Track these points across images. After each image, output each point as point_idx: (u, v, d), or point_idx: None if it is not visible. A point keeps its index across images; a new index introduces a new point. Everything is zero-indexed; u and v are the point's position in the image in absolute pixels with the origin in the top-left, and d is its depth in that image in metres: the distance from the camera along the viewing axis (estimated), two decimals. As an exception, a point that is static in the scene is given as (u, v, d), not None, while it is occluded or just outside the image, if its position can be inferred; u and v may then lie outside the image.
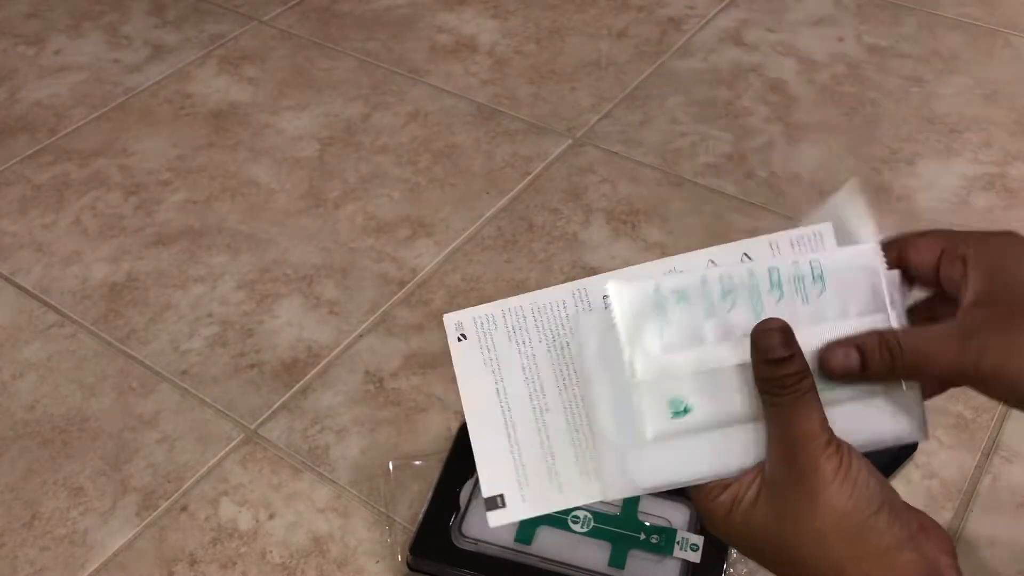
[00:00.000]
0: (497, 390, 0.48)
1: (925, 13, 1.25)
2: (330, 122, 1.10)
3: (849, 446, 0.42)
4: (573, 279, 0.89)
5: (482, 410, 0.48)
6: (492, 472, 0.46)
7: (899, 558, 0.41)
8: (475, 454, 0.47)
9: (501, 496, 0.46)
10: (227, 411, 0.80)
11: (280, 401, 0.80)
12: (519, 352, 0.47)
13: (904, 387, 0.44)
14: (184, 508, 0.73)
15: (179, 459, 0.76)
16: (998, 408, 0.78)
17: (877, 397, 0.44)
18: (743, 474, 0.44)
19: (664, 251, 0.92)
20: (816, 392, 0.42)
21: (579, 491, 0.46)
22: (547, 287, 0.48)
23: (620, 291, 0.44)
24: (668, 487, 0.44)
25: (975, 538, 0.70)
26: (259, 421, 0.79)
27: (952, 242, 0.45)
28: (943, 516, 0.71)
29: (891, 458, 0.73)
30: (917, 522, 0.42)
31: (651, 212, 0.97)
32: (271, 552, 0.70)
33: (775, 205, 0.97)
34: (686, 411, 0.44)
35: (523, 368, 0.47)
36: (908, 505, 0.43)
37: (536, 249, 0.93)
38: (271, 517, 0.72)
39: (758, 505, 0.43)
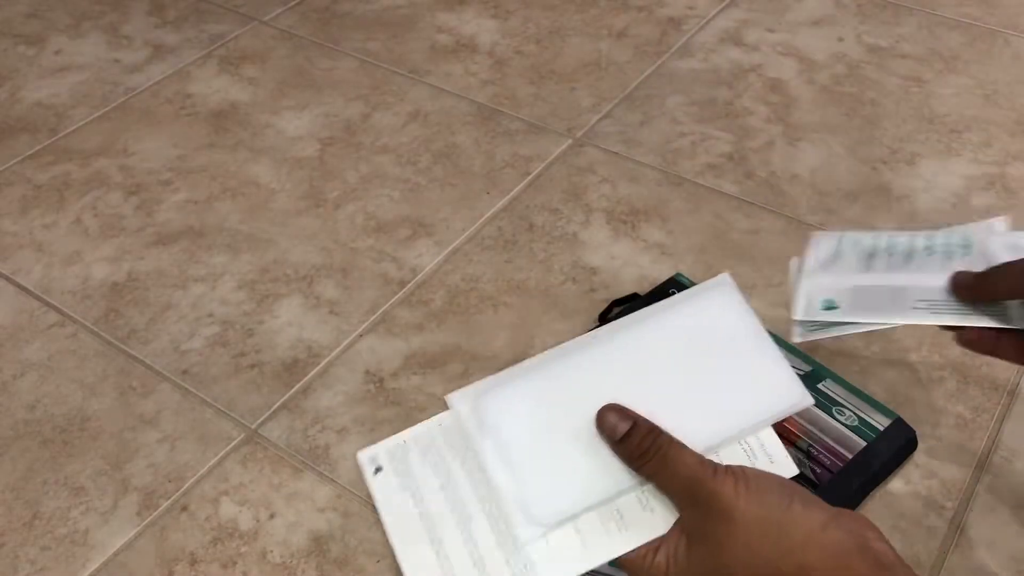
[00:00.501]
0: (419, 513, 0.50)
1: (925, 13, 1.26)
2: (330, 122, 1.10)
3: (740, 466, 0.46)
4: (573, 279, 0.90)
5: (406, 534, 0.49)
6: None
7: (825, 538, 0.43)
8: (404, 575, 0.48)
9: None
10: (228, 411, 0.80)
11: (280, 401, 0.80)
12: (434, 471, 0.50)
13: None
14: (185, 508, 0.73)
15: (180, 459, 0.76)
16: (998, 408, 0.78)
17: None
18: (666, 535, 0.47)
19: (664, 251, 0.92)
20: (677, 440, 0.47)
21: None
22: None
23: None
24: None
25: (975, 538, 0.70)
26: (259, 421, 0.79)
27: None
28: (944, 516, 0.71)
29: (892, 458, 0.73)
30: (832, 509, 0.45)
31: (651, 212, 0.97)
32: (271, 552, 0.70)
33: (775, 205, 0.97)
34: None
35: (441, 486, 0.50)
36: (819, 499, 0.46)
37: (536, 249, 0.93)
38: (271, 517, 0.72)
39: (691, 551, 0.46)
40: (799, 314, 0.58)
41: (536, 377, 0.52)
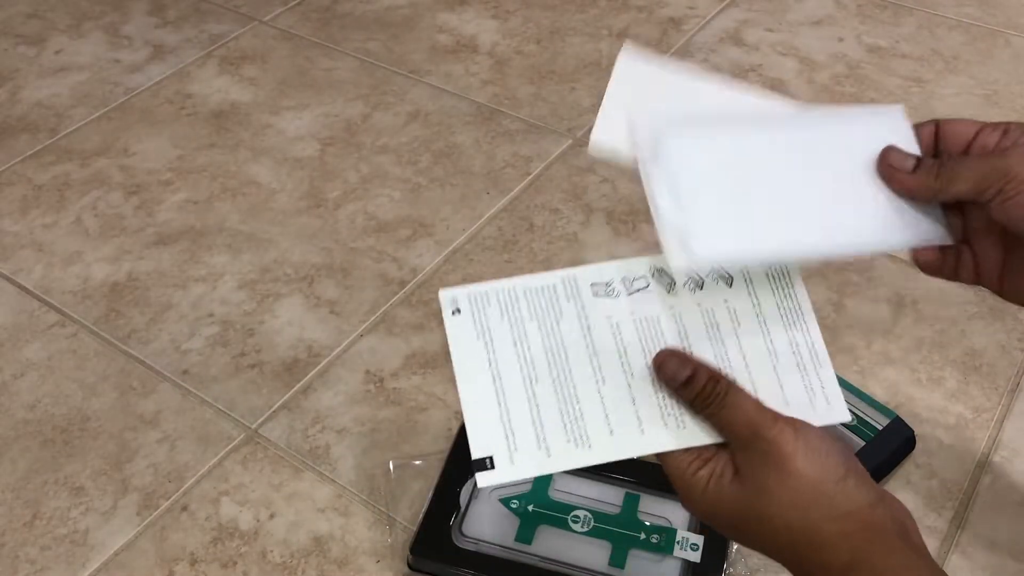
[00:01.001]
0: (488, 360, 0.51)
1: (925, 13, 1.26)
2: (330, 122, 1.10)
3: (800, 420, 0.46)
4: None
5: (473, 378, 0.50)
6: (482, 436, 0.49)
7: (872, 514, 0.44)
8: (465, 419, 0.49)
9: (490, 458, 0.48)
10: (228, 411, 0.80)
11: (281, 401, 0.80)
12: (511, 328, 0.51)
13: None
14: (185, 508, 0.73)
15: (180, 459, 0.76)
16: (998, 408, 0.78)
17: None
18: (718, 453, 0.48)
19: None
20: (737, 386, 0.47)
21: (566, 458, 0.49)
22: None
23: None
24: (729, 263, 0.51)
25: (975, 538, 0.70)
26: (260, 421, 0.79)
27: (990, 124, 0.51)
28: (944, 516, 0.71)
29: (890, 457, 0.73)
30: (880, 489, 0.46)
31: (651, 212, 0.97)
32: (272, 552, 0.70)
33: (775, 205, 0.97)
34: None
35: (514, 342, 0.51)
36: (869, 476, 0.47)
37: (536, 249, 0.93)
38: (272, 517, 0.72)
39: (734, 484, 0.46)
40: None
41: (720, 134, 0.54)
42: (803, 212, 0.50)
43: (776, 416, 0.46)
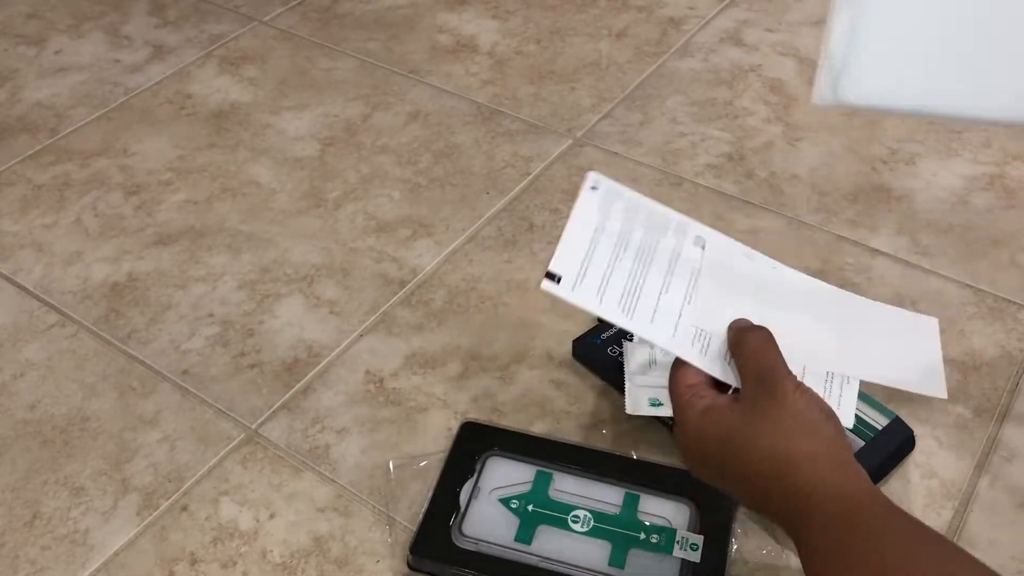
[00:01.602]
0: (597, 227, 0.62)
1: (925, 13, 1.25)
2: (330, 122, 1.10)
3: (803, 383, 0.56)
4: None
5: (580, 229, 0.62)
6: (564, 260, 0.60)
7: (841, 453, 0.53)
8: (560, 245, 0.60)
9: (560, 277, 0.59)
10: (228, 411, 0.80)
11: (280, 401, 0.80)
12: (623, 221, 0.63)
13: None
14: (185, 508, 0.73)
15: (180, 459, 0.76)
16: (998, 408, 0.79)
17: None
18: (720, 395, 0.58)
19: (664, 251, 0.92)
20: (774, 341, 0.58)
21: (611, 311, 0.59)
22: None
23: None
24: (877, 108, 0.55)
25: (975, 538, 0.70)
26: (260, 421, 0.79)
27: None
28: (943, 516, 0.71)
29: (890, 457, 0.73)
30: (847, 444, 0.55)
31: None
32: (272, 552, 0.70)
33: (775, 205, 0.97)
34: None
35: (620, 231, 0.63)
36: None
37: (536, 249, 0.93)
38: (272, 517, 0.72)
39: (731, 408, 0.55)
40: (631, 410, 0.72)
41: None
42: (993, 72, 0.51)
43: (791, 373, 0.56)
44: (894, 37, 0.50)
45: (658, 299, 0.61)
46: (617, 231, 0.62)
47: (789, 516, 0.52)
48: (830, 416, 0.55)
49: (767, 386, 0.55)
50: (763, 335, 0.58)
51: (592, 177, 0.63)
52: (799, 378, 0.56)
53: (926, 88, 0.50)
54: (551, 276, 0.59)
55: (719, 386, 0.60)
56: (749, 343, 0.58)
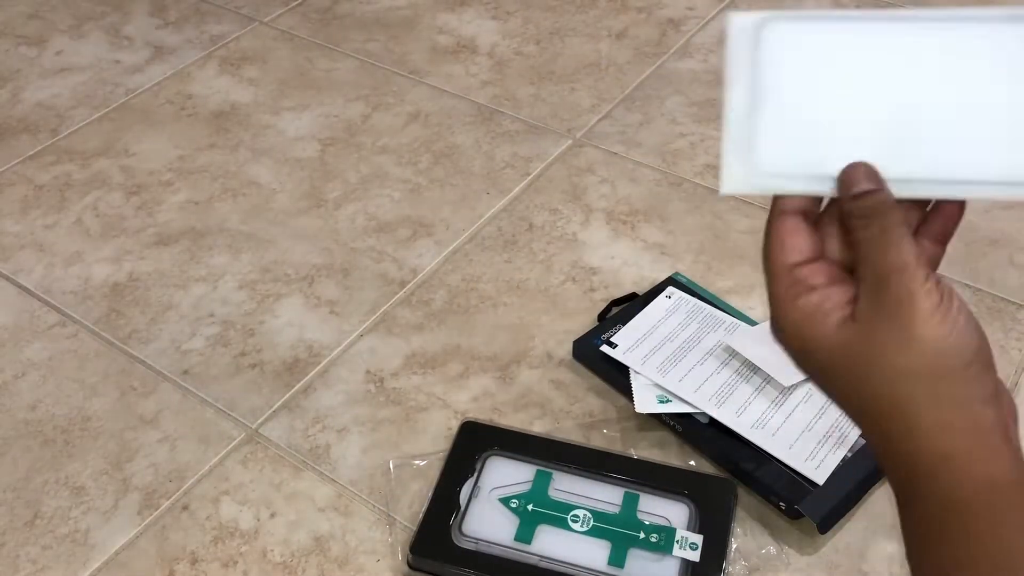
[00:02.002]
0: (660, 319, 0.81)
1: (924, 14, 1.26)
2: (331, 123, 1.10)
3: (951, 288, 0.40)
4: (573, 279, 0.90)
5: (646, 319, 0.79)
6: (626, 336, 0.76)
7: (980, 412, 0.39)
8: (627, 325, 0.77)
9: (617, 345, 0.77)
10: (228, 411, 0.80)
11: (281, 401, 0.80)
12: (684, 318, 0.77)
13: None
14: (185, 507, 0.73)
15: (180, 458, 0.76)
16: (996, 408, 0.79)
17: None
18: (838, 283, 0.41)
19: (663, 251, 0.93)
20: (906, 228, 0.40)
21: (651, 372, 0.73)
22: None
23: None
24: None
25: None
26: (260, 420, 0.79)
27: None
28: (941, 515, 0.71)
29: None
30: (996, 382, 0.41)
31: (651, 212, 0.97)
32: (272, 551, 0.70)
33: (774, 205, 0.97)
34: None
35: (678, 324, 0.80)
36: (995, 370, 0.42)
37: (536, 249, 0.93)
38: (272, 516, 0.72)
39: (846, 325, 0.40)
40: (640, 409, 0.75)
41: (847, 29, 0.44)
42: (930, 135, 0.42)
43: (929, 273, 0.39)
44: (797, 108, 0.44)
45: (690, 369, 0.78)
46: (675, 324, 0.82)
47: (904, 483, 0.41)
48: (979, 350, 0.40)
49: (893, 303, 0.39)
50: (886, 210, 0.40)
51: (669, 289, 0.79)
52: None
53: (837, 162, 0.42)
54: (611, 344, 0.80)
55: (834, 261, 0.43)
56: (865, 225, 0.40)
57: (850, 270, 0.42)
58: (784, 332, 0.42)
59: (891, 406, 0.39)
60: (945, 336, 0.39)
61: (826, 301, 0.41)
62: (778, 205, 0.42)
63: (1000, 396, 0.40)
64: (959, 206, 0.43)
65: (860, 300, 0.40)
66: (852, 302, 0.41)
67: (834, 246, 0.43)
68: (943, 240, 0.43)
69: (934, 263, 0.43)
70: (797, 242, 0.42)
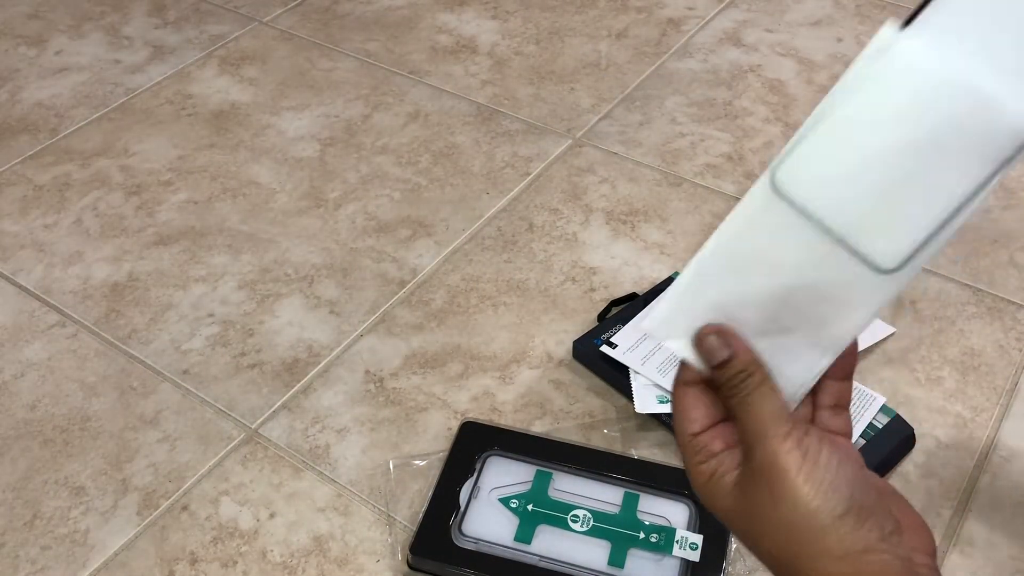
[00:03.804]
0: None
1: (924, 14, 1.26)
2: (330, 123, 1.10)
3: (820, 436, 0.42)
4: (573, 279, 0.90)
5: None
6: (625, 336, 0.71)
7: (865, 560, 0.40)
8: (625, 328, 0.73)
9: (617, 345, 0.71)
10: (228, 411, 0.80)
11: (281, 401, 0.80)
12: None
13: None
14: (185, 507, 0.73)
15: (180, 458, 0.76)
16: (996, 408, 0.79)
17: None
18: (725, 456, 0.44)
19: (663, 251, 0.93)
20: (770, 384, 0.43)
21: (650, 373, 0.72)
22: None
23: None
24: None
25: (974, 538, 0.70)
26: (260, 421, 0.79)
27: None
28: (943, 516, 0.71)
29: (890, 455, 0.73)
30: (894, 520, 0.41)
31: (650, 212, 0.97)
32: (272, 551, 0.70)
33: (774, 205, 0.97)
34: None
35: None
36: (889, 495, 0.43)
37: (536, 249, 0.93)
38: (272, 516, 0.72)
39: (734, 490, 0.43)
40: (640, 409, 0.75)
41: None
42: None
43: (791, 431, 0.41)
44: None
45: None
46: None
47: None
48: (850, 499, 0.40)
49: (758, 468, 0.41)
50: (745, 377, 0.43)
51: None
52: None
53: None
54: (611, 344, 0.80)
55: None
56: (730, 395, 0.43)
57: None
58: (697, 494, 0.45)
59: (783, 563, 0.41)
60: (811, 495, 0.40)
61: (720, 466, 0.43)
62: (680, 376, 0.46)
63: (900, 533, 0.41)
64: (854, 344, 0.44)
65: (743, 463, 0.43)
66: (740, 464, 0.43)
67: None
68: (847, 376, 0.45)
69: (842, 399, 0.45)
70: (695, 414, 0.45)
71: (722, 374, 0.43)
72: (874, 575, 0.40)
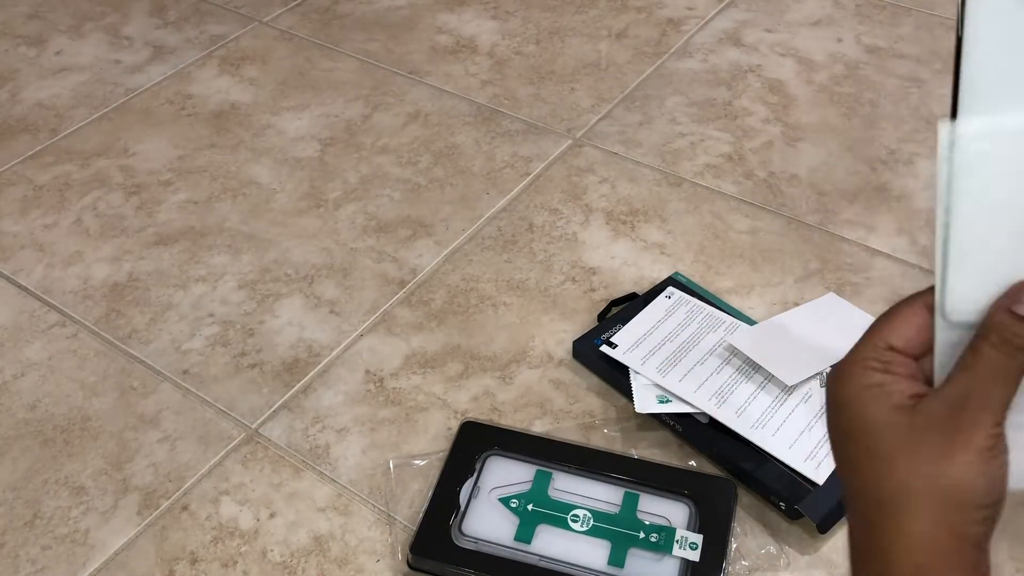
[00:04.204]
0: (660, 320, 0.79)
1: (923, 14, 1.26)
2: (331, 123, 1.10)
3: (1008, 444, 0.39)
4: (573, 279, 0.90)
5: (646, 319, 0.73)
6: (626, 335, 0.74)
7: (968, 551, 0.39)
8: (628, 325, 0.78)
9: (618, 345, 0.73)
10: (228, 410, 0.80)
11: (281, 400, 0.80)
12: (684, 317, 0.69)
13: None
14: (185, 507, 0.73)
15: (180, 458, 0.76)
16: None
17: None
18: (903, 381, 0.40)
19: (663, 251, 0.93)
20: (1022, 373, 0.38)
21: (651, 373, 0.69)
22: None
23: None
24: None
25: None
26: (260, 420, 0.79)
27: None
28: (941, 515, 0.71)
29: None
30: (987, 559, 0.40)
31: (650, 212, 0.97)
32: (272, 551, 0.70)
33: (774, 205, 0.97)
34: None
35: (678, 324, 0.73)
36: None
37: (536, 249, 0.93)
38: (272, 516, 0.72)
39: (897, 411, 0.40)
40: (640, 409, 0.76)
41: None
42: None
43: (1001, 421, 0.39)
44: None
45: (690, 369, 0.78)
46: (675, 324, 0.82)
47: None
48: (996, 505, 0.39)
49: (957, 420, 0.38)
50: (1009, 347, 0.38)
51: (669, 289, 0.75)
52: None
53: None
54: (611, 344, 0.80)
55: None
56: (996, 345, 0.39)
57: (929, 382, 0.41)
58: (839, 384, 0.41)
59: (891, 500, 0.39)
60: (976, 475, 0.38)
61: (893, 384, 0.40)
62: (924, 296, 0.41)
63: (986, 572, 0.40)
64: None
65: (931, 399, 0.39)
66: (915, 397, 0.40)
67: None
68: None
69: None
70: (907, 331, 0.41)
71: (1019, 326, 0.38)
72: (967, 566, 0.39)
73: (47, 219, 0.98)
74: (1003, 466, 0.38)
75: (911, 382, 0.40)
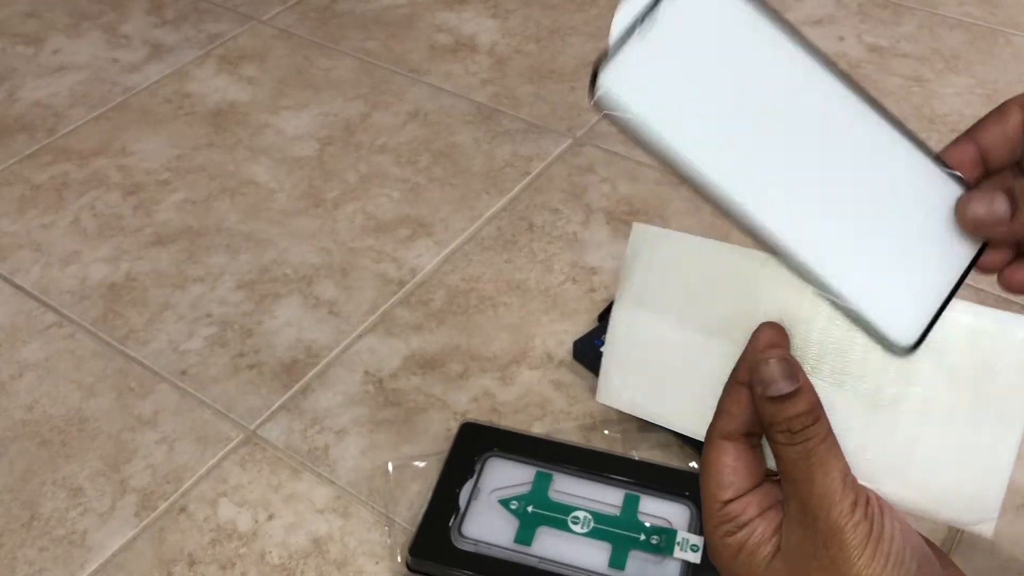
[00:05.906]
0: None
1: (926, 13, 1.25)
2: (329, 122, 1.09)
3: (881, 504, 0.37)
4: (573, 279, 0.90)
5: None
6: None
7: None
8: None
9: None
10: (226, 411, 0.79)
11: (279, 401, 0.80)
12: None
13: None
14: (183, 509, 0.73)
15: (178, 460, 0.76)
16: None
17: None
18: (758, 523, 0.39)
19: (664, 251, 0.92)
20: (834, 438, 0.37)
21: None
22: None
23: None
24: None
25: (975, 539, 0.70)
26: (258, 422, 0.79)
27: None
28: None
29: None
30: None
31: (651, 212, 0.97)
32: (270, 553, 0.70)
33: (775, 205, 0.97)
34: None
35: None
36: (947, 563, 0.39)
37: (536, 249, 0.93)
38: (270, 518, 0.72)
39: (772, 562, 0.38)
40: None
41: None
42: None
43: (856, 498, 0.36)
44: (642, 348, 0.45)
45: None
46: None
47: None
48: (918, 572, 0.37)
49: (817, 538, 0.36)
50: (811, 423, 0.37)
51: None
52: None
53: (669, 407, 0.42)
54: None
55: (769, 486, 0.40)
56: (788, 441, 0.37)
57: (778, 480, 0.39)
58: (716, 558, 0.40)
59: None
60: (878, 572, 0.36)
61: (752, 536, 0.38)
62: (718, 425, 0.39)
63: None
64: None
65: (785, 530, 0.37)
66: (778, 530, 0.38)
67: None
68: None
69: None
70: (731, 477, 0.39)
71: (780, 412, 0.37)
72: None
73: (44, 219, 0.98)
74: (892, 540, 0.36)
75: (765, 521, 0.38)
